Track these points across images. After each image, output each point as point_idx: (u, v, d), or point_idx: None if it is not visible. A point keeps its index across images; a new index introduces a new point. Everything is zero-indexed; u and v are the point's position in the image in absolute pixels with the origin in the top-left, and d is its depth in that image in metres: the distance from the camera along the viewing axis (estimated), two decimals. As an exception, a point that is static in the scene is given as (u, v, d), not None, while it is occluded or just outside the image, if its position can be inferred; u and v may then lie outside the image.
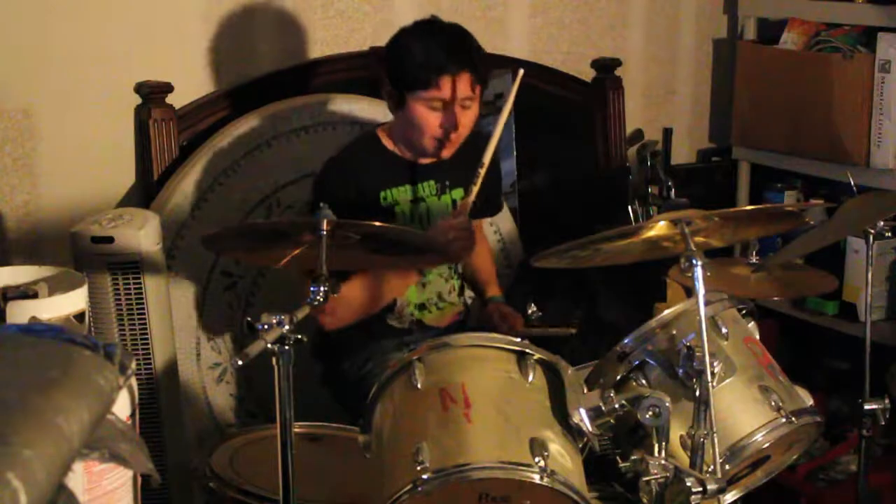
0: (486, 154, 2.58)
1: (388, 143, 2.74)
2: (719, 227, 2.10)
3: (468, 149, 2.85)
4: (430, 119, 2.60)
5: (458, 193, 2.79)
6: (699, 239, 2.09)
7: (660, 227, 2.07)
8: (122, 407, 1.60)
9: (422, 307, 2.79)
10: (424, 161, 2.74)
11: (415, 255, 2.42)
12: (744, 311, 2.26)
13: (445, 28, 2.67)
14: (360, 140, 2.80)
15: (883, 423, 2.49)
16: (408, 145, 2.71)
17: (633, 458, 1.95)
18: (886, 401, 2.47)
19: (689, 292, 2.12)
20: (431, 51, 2.58)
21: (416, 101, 2.59)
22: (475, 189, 2.58)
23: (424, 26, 2.67)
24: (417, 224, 2.73)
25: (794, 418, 2.09)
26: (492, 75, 2.88)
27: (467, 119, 2.63)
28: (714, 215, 2.04)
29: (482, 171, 2.57)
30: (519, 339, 2.02)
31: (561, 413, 1.97)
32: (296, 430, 1.97)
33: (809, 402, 2.21)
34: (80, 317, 2.24)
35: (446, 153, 2.68)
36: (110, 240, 2.62)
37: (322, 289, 1.96)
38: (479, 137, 2.72)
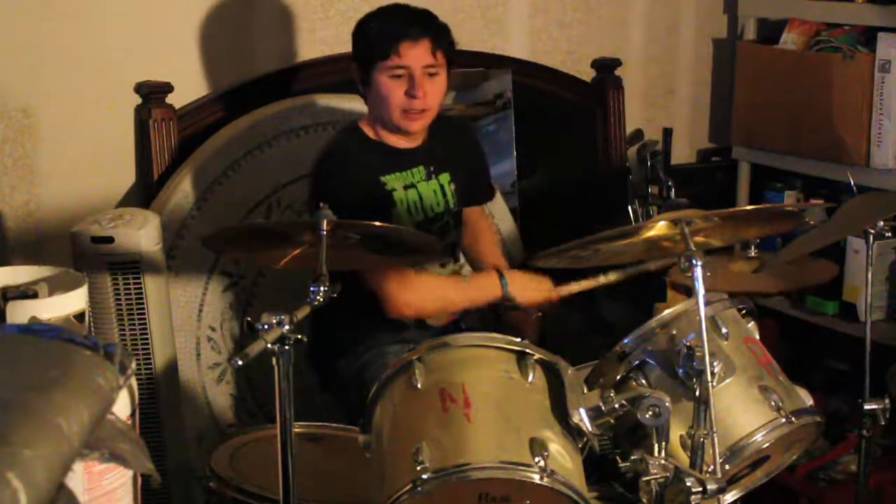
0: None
1: (369, 132, 2.74)
2: (719, 227, 2.10)
3: (454, 134, 2.86)
4: (393, 89, 2.62)
5: (444, 178, 2.80)
6: (699, 239, 2.09)
7: (660, 227, 2.07)
8: (122, 407, 1.60)
9: None
10: (408, 146, 2.74)
11: (415, 255, 2.42)
12: (744, 311, 2.26)
13: (407, 6, 2.70)
14: (344, 132, 2.80)
15: (883, 423, 2.49)
16: (382, 125, 2.71)
17: (633, 458, 1.95)
18: (886, 401, 2.47)
19: (689, 292, 2.12)
20: (391, 22, 2.64)
21: (379, 73, 2.62)
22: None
23: (386, 6, 2.72)
24: (413, 212, 2.73)
25: (793, 418, 2.09)
26: (491, 75, 2.88)
27: (433, 88, 2.65)
28: (714, 215, 2.04)
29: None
30: (519, 340, 2.02)
31: (561, 413, 1.97)
32: (296, 430, 1.97)
33: (809, 402, 2.21)
34: (80, 317, 2.24)
35: (417, 125, 2.68)
36: (110, 240, 2.62)
37: (322, 289, 1.96)
38: (467, 125, 2.73)
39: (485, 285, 2.74)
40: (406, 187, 2.73)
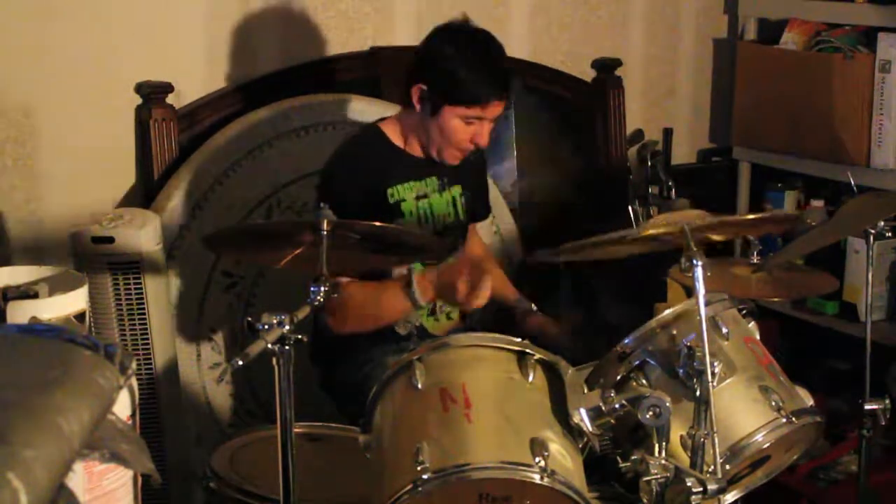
0: None
1: (394, 138, 2.74)
2: (720, 227, 2.10)
3: None
4: (462, 132, 2.64)
5: (456, 191, 2.81)
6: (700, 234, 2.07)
7: (660, 227, 2.07)
8: (123, 407, 1.60)
9: (432, 313, 2.78)
10: (425, 156, 2.74)
11: (414, 255, 2.42)
12: (744, 311, 2.26)
13: (490, 45, 2.68)
14: (365, 135, 2.79)
15: (883, 423, 2.49)
16: (424, 146, 2.71)
17: (633, 458, 1.95)
18: (887, 401, 2.47)
19: (690, 292, 2.12)
20: (481, 73, 2.61)
21: (454, 111, 2.61)
22: None
23: (468, 38, 2.68)
24: (423, 222, 2.73)
25: (794, 418, 2.09)
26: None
27: (489, 132, 2.69)
28: (715, 221, 2.03)
29: None
30: (519, 340, 2.02)
31: (561, 413, 1.97)
32: (296, 430, 1.96)
33: (810, 402, 2.21)
34: (80, 317, 2.24)
35: (458, 161, 2.72)
36: (111, 240, 2.62)
37: (322, 289, 1.96)
38: None
39: (394, 294, 2.63)
40: (418, 197, 2.74)
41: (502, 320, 2.93)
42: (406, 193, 2.72)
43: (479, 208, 2.98)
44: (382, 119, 2.81)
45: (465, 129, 2.63)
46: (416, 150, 2.74)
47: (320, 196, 2.68)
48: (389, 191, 2.70)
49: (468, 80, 2.60)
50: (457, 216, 2.81)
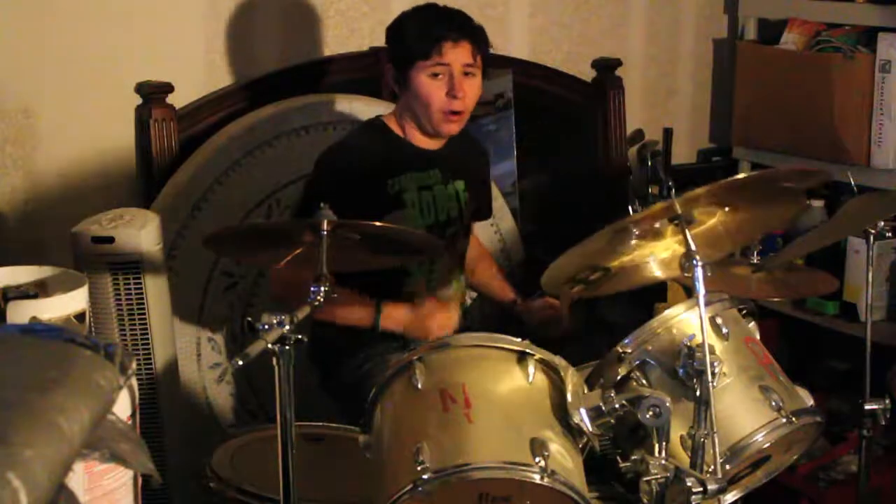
0: None
1: (396, 129, 2.75)
2: (720, 223, 2.09)
3: (469, 147, 2.86)
4: (434, 89, 2.62)
5: (459, 185, 2.81)
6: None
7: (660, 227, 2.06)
8: (123, 407, 1.60)
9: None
10: (430, 148, 2.75)
11: (414, 254, 2.42)
12: (744, 311, 2.26)
13: (444, 7, 2.71)
14: (366, 127, 2.81)
15: (883, 423, 2.49)
16: (417, 124, 2.71)
17: (633, 458, 1.95)
18: (887, 401, 2.47)
19: (689, 292, 2.12)
20: (431, 22, 2.64)
21: (418, 73, 2.62)
22: None
23: (422, 7, 2.73)
24: (426, 213, 2.73)
25: (794, 418, 2.09)
26: (491, 75, 2.89)
27: (471, 89, 2.66)
28: (705, 191, 1.99)
29: None
30: (519, 340, 2.02)
31: (561, 413, 1.97)
32: (296, 430, 1.96)
33: (810, 402, 2.21)
34: (80, 317, 2.24)
35: (455, 127, 2.69)
36: (111, 240, 2.62)
37: (322, 289, 1.96)
38: (477, 133, 2.73)
39: (362, 305, 2.66)
40: (421, 188, 2.73)
41: (503, 319, 2.93)
42: (407, 184, 2.72)
43: (482, 207, 2.98)
44: (384, 115, 2.81)
45: (436, 84, 2.62)
46: (417, 140, 2.74)
47: (311, 185, 2.69)
48: (390, 181, 2.70)
49: (416, 32, 2.63)
50: (459, 210, 2.81)
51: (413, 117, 2.71)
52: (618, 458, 2.10)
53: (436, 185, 2.76)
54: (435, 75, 2.62)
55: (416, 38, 2.63)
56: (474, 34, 2.65)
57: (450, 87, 2.62)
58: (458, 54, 2.61)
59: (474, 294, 3.09)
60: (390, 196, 2.68)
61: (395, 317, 2.61)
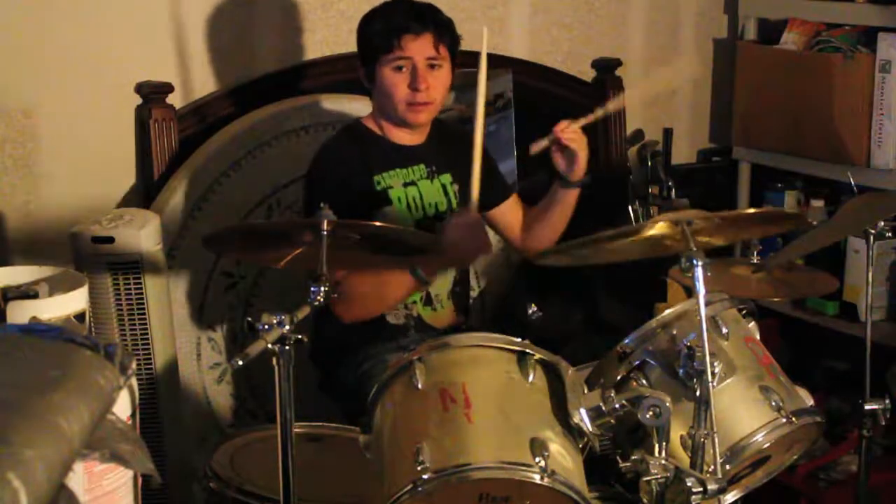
0: (474, 151, 2.58)
1: (373, 127, 2.76)
2: (720, 227, 2.09)
3: (453, 136, 2.85)
4: (396, 81, 2.64)
5: (445, 179, 2.80)
6: (701, 238, 2.08)
7: (660, 227, 2.06)
8: (123, 407, 1.60)
9: (427, 301, 2.78)
10: (410, 143, 2.75)
11: (416, 255, 2.41)
12: (744, 311, 2.26)
13: (410, 1, 2.71)
14: (346, 129, 2.82)
15: (883, 423, 2.49)
16: (388, 119, 2.73)
17: (633, 458, 1.95)
18: (887, 401, 2.47)
19: (690, 292, 2.12)
20: (392, 16, 2.66)
21: (382, 66, 2.65)
22: (475, 184, 2.58)
23: (390, 2, 2.73)
24: (413, 209, 2.73)
25: (794, 418, 2.09)
26: (491, 75, 2.87)
27: (436, 80, 2.66)
28: (715, 217, 2.03)
29: (475, 167, 2.58)
30: (519, 340, 2.02)
31: (561, 413, 1.97)
32: (296, 430, 1.96)
33: (810, 402, 2.21)
34: (80, 317, 2.24)
35: (421, 118, 2.70)
36: (111, 240, 2.62)
37: (322, 289, 1.96)
38: (467, 126, 2.72)
39: (397, 274, 2.59)
40: (406, 184, 2.73)
41: (502, 320, 2.93)
42: (392, 181, 2.72)
43: (496, 192, 2.91)
44: (365, 115, 2.82)
45: (399, 76, 2.63)
46: (396, 136, 2.74)
47: (307, 191, 2.69)
48: (376, 178, 2.70)
49: (379, 27, 2.65)
50: (449, 205, 2.80)
51: (384, 113, 2.73)
52: (618, 458, 2.10)
53: (420, 180, 2.76)
54: (398, 68, 2.63)
55: (378, 32, 2.65)
56: (437, 25, 2.66)
57: (412, 80, 2.63)
58: (420, 46, 2.62)
59: (475, 292, 3.08)
60: (377, 194, 2.69)
61: (429, 262, 2.53)
